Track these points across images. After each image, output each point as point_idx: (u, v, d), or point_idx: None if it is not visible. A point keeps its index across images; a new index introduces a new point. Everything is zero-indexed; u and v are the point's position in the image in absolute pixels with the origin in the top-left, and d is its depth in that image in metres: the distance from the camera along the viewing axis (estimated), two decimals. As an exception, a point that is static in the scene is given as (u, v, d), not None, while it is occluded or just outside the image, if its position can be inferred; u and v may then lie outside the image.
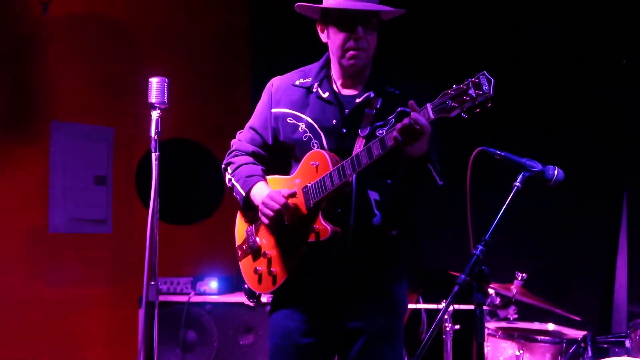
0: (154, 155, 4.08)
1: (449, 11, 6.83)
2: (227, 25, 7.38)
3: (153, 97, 4.09)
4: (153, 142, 4.08)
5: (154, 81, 4.09)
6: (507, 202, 3.55)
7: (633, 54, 6.25)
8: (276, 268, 3.87)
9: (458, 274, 3.45)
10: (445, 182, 3.72)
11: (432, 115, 3.40)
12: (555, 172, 3.63)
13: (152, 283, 4.02)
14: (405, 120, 3.39)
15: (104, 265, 6.91)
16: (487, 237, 3.48)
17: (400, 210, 3.88)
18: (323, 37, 3.87)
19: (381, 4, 3.80)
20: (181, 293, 6.36)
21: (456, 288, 3.44)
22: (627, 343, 5.01)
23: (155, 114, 4.10)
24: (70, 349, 6.65)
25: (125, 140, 6.98)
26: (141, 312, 6.18)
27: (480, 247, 3.46)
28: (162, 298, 5.84)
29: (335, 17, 3.75)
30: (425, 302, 6.20)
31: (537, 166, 3.63)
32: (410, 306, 6.27)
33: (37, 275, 6.49)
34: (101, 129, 6.92)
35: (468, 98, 3.31)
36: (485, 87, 3.28)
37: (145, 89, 4.11)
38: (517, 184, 3.59)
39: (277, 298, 3.97)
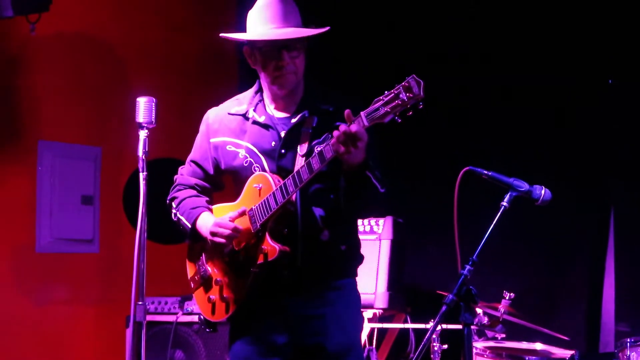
0: (141, 175, 4.06)
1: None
2: (215, 44, 7.39)
3: (141, 117, 4.07)
4: (141, 162, 4.06)
5: (142, 101, 4.08)
6: (494, 222, 3.56)
7: (619, 74, 6.29)
8: (228, 294, 3.90)
9: (446, 294, 3.46)
10: (386, 189, 3.74)
11: (366, 123, 3.43)
12: (542, 191, 3.65)
13: (140, 303, 3.99)
14: (341, 128, 3.44)
15: (91, 285, 6.89)
16: (474, 256, 3.50)
17: (347, 223, 3.96)
18: (251, 62, 3.93)
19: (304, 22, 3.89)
20: (169, 313, 6.33)
21: (444, 308, 3.46)
22: (615, 363, 5.04)
23: (142, 134, 4.09)
24: (57, 369, 6.62)
25: (112, 160, 6.97)
26: (129, 332, 6.16)
27: (467, 267, 3.48)
28: (149, 318, 5.80)
29: (261, 46, 3.83)
30: (413, 321, 6.20)
31: (524, 186, 3.64)
32: (398, 326, 6.28)
33: (24, 295, 6.46)
34: (88, 149, 6.91)
35: (400, 102, 3.34)
36: (415, 90, 3.32)
37: (132, 108, 4.10)
38: (505, 203, 3.61)
39: (234, 325, 4.01)
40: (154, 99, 4.10)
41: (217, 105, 4.15)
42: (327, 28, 3.86)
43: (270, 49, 3.80)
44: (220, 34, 3.97)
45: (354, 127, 3.42)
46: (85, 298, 6.84)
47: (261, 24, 3.83)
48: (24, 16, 6.14)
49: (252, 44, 3.88)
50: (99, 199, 6.93)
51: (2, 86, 6.40)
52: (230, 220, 3.78)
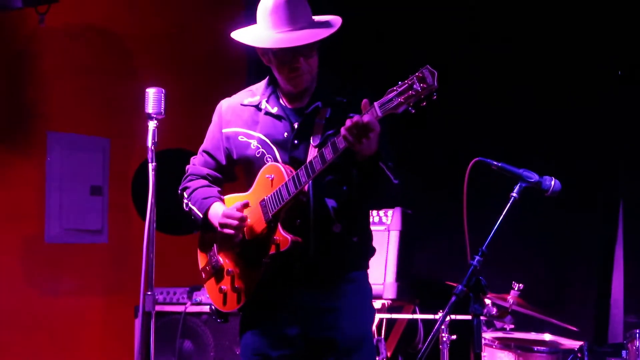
0: (150, 166, 4.06)
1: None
2: (224, 36, 7.40)
3: (150, 108, 4.08)
4: (150, 153, 4.07)
5: (151, 92, 4.08)
6: (504, 213, 3.56)
7: (629, 66, 6.27)
8: (240, 285, 3.89)
9: (455, 285, 3.46)
10: (400, 180, 3.72)
11: (379, 113, 3.41)
12: (552, 182, 3.64)
13: (149, 293, 4.00)
14: (354, 118, 3.41)
15: (100, 275, 6.91)
16: (484, 247, 3.49)
17: (359, 216, 3.94)
18: (265, 61, 3.91)
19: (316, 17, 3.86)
20: (177, 303, 6.34)
21: (453, 298, 3.45)
22: (624, 354, 5.03)
23: (152, 125, 4.09)
24: (66, 359, 6.63)
25: (121, 151, 6.99)
26: (137, 322, 6.17)
27: (477, 258, 3.47)
28: (158, 308, 5.81)
29: (275, 51, 3.79)
30: (422, 312, 6.19)
31: (534, 177, 3.64)
32: (407, 316, 6.28)
33: (34, 286, 6.48)
34: (97, 140, 6.92)
35: (413, 92, 3.32)
36: (429, 80, 3.30)
37: (141, 99, 4.10)
38: (514, 194, 3.61)
39: (244, 316, 4.00)
40: (163, 90, 4.10)
41: (225, 96, 4.14)
42: (340, 22, 3.82)
43: (284, 54, 3.76)
44: (232, 34, 3.95)
45: (366, 118, 3.40)
46: (94, 288, 6.86)
47: (272, 27, 3.79)
48: (33, 7, 6.15)
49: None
50: (107, 190, 6.95)
51: (11, 77, 6.41)
52: (236, 210, 3.77)
